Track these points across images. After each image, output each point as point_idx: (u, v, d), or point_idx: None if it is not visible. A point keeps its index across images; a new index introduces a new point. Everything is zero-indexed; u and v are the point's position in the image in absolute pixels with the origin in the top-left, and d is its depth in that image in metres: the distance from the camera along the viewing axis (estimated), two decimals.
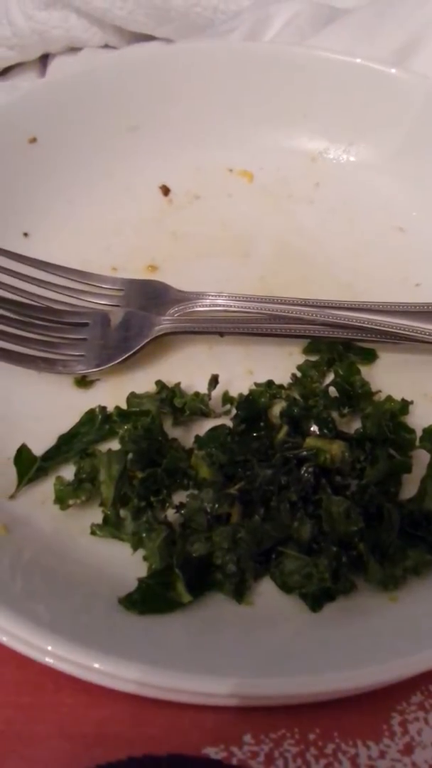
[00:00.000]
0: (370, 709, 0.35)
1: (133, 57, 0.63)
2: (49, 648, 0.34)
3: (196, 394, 0.48)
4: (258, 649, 0.36)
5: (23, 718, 0.34)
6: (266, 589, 0.40)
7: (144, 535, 0.41)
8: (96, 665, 0.34)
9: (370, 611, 0.38)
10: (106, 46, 0.77)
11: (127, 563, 0.41)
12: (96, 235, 0.58)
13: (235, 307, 0.50)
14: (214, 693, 0.33)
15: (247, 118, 0.62)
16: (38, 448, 0.46)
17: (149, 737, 0.34)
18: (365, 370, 0.50)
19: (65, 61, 0.77)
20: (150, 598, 0.38)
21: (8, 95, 0.60)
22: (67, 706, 0.35)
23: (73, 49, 0.77)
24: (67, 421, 0.48)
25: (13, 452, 0.46)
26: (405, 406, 0.47)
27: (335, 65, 0.59)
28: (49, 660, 0.35)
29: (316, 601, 0.39)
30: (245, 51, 0.61)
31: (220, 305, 0.51)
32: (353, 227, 0.59)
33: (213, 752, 0.34)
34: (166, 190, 0.61)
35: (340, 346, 0.51)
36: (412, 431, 0.46)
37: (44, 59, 0.79)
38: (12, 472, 0.45)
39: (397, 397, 0.48)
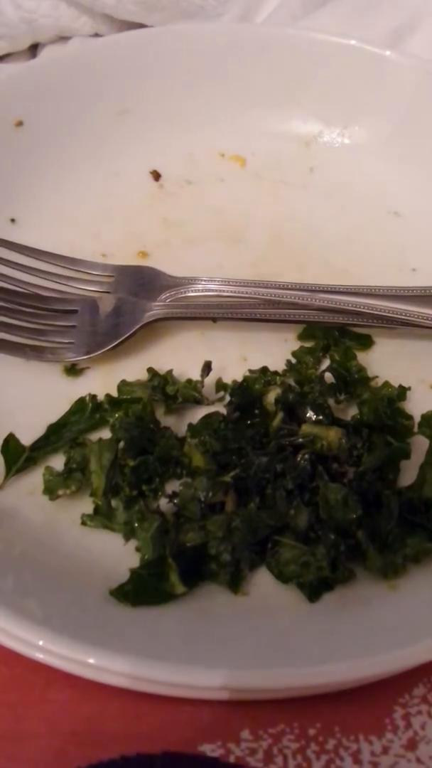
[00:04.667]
0: (371, 701, 0.33)
1: (123, 39, 0.61)
2: (41, 643, 0.33)
3: (189, 381, 0.47)
4: (254, 640, 0.35)
5: (11, 716, 0.33)
6: (262, 579, 0.39)
7: (136, 524, 0.39)
8: (89, 660, 0.33)
9: (369, 600, 0.37)
10: (96, 35, 0.75)
11: (119, 554, 0.40)
12: (85, 221, 0.57)
13: (228, 291, 0.49)
14: (210, 686, 0.32)
15: (240, 102, 0.61)
16: (27, 438, 0.45)
17: (143, 734, 0.33)
18: (361, 356, 0.49)
19: (55, 50, 0.75)
20: (142, 590, 0.37)
21: None
22: (57, 703, 0.34)
23: (63, 39, 0.75)
24: (56, 410, 0.46)
25: (0, 442, 0.44)
26: (402, 391, 0.46)
27: (329, 47, 0.58)
28: (39, 655, 0.33)
29: (314, 590, 0.38)
30: (237, 33, 0.60)
31: (212, 290, 0.49)
32: (348, 212, 0.58)
33: (209, 749, 0.33)
34: (156, 175, 0.60)
35: (335, 332, 0.50)
36: (409, 417, 0.45)
37: (34, 49, 0.77)
38: (0, 463, 0.43)
39: (394, 382, 0.47)
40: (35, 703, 0.34)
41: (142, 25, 0.76)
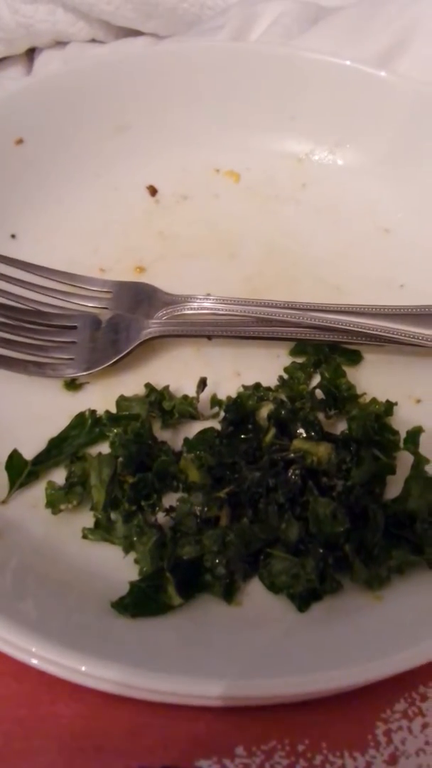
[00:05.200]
0: (355, 717, 0.35)
1: (120, 57, 0.63)
2: (33, 649, 0.35)
3: (185, 397, 0.49)
4: (246, 650, 0.37)
5: (21, 732, 0.35)
6: (255, 590, 0.41)
7: (135, 538, 0.41)
8: (81, 667, 0.34)
9: (356, 611, 0.39)
10: (93, 40, 0.76)
11: (118, 566, 0.42)
12: (83, 236, 0.58)
13: (222, 310, 0.51)
14: (201, 695, 0.34)
15: (235, 119, 0.62)
16: (28, 452, 0.46)
17: (144, 748, 0.34)
18: (351, 372, 0.51)
19: (52, 55, 0.76)
20: (141, 602, 0.39)
21: None
22: (65, 718, 0.35)
23: (60, 44, 0.76)
24: (56, 425, 0.48)
25: (2, 457, 0.46)
26: (389, 407, 0.48)
27: (324, 66, 0.59)
28: (34, 661, 0.35)
29: (304, 601, 0.40)
30: (233, 51, 0.61)
31: (207, 308, 0.51)
32: (339, 228, 0.60)
33: (206, 764, 0.35)
34: (153, 191, 0.61)
35: (326, 348, 0.52)
36: (396, 433, 0.47)
37: (31, 53, 0.78)
38: (2, 477, 0.45)
39: (382, 398, 0.49)
40: (44, 719, 0.35)
41: (139, 32, 0.77)
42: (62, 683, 0.34)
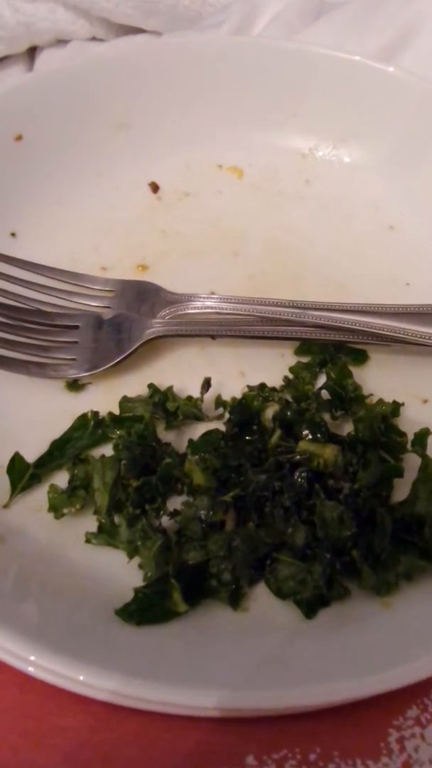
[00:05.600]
0: (367, 725, 0.35)
1: (121, 52, 0.62)
2: (32, 658, 0.34)
3: (189, 398, 0.48)
4: (253, 660, 0.36)
5: (28, 745, 0.34)
6: (261, 594, 0.40)
7: (139, 543, 0.41)
8: (79, 677, 0.34)
9: (364, 618, 0.38)
10: (94, 38, 0.75)
11: (122, 571, 0.41)
12: (85, 235, 0.58)
13: (226, 309, 0.50)
14: (209, 707, 0.33)
15: (237, 114, 0.61)
16: (30, 454, 0.46)
17: (153, 760, 0.34)
18: (356, 371, 0.50)
19: (53, 53, 0.75)
20: (146, 609, 0.38)
21: None
22: (72, 730, 0.35)
23: (61, 42, 0.75)
24: (58, 426, 0.47)
25: (4, 460, 0.45)
26: (396, 407, 0.48)
27: (330, 61, 0.58)
28: (31, 669, 0.34)
29: (311, 607, 0.39)
30: (236, 45, 0.60)
31: (211, 307, 0.50)
32: (343, 225, 0.59)
33: None
34: (155, 188, 0.61)
35: (331, 347, 0.51)
36: (403, 434, 0.46)
37: (32, 52, 0.77)
38: (3, 481, 0.45)
39: (388, 398, 0.48)
40: (52, 731, 0.35)
41: (139, 30, 0.76)
42: (68, 694, 0.34)
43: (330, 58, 0.58)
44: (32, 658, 0.35)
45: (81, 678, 0.34)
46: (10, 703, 0.36)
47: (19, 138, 0.57)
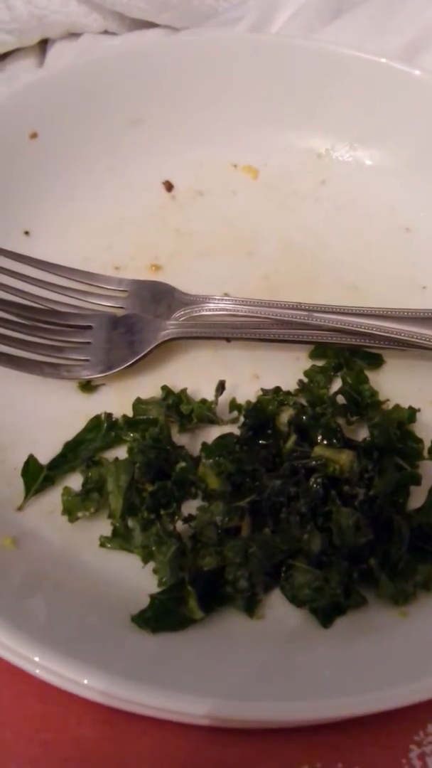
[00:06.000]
0: (388, 740, 0.35)
1: (135, 48, 0.61)
2: (37, 659, 0.34)
3: (203, 401, 0.48)
4: (268, 670, 0.36)
5: (47, 757, 0.34)
6: (276, 602, 0.40)
7: (154, 548, 0.40)
8: (83, 680, 0.33)
9: (380, 627, 0.38)
10: (106, 32, 0.75)
11: (136, 575, 0.41)
12: (98, 233, 0.57)
13: (241, 311, 0.50)
14: (222, 717, 0.33)
15: (253, 112, 0.61)
16: (43, 455, 0.46)
17: None
18: (371, 375, 0.50)
19: (65, 46, 0.74)
20: (162, 616, 0.38)
21: (8, 88, 0.58)
22: (91, 741, 0.34)
23: (73, 35, 0.75)
24: (71, 427, 0.47)
25: (18, 461, 0.45)
26: (412, 413, 0.47)
27: (353, 62, 0.57)
28: (37, 671, 0.34)
29: (327, 616, 0.39)
30: (254, 43, 0.59)
31: (225, 309, 0.50)
32: (359, 226, 0.58)
33: None
34: (169, 186, 0.60)
35: (346, 351, 0.51)
36: (419, 441, 0.46)
37: (43, 45, 0.77)
38: (18, 482, 0.44)
39: (403, 403, 0.48)
40: (70, 742, 0.34)
41: (152, 24, 0.75)
42: (87, 705, 0.33)
43: (354, 59, 0.57)
44: (37, 659, 0.34)
45: (86, 682, 0.34)
46: (29, 713, 0.35)
47: (34, 136, 0.56)
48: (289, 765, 0.34)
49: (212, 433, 0.47)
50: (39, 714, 0.35)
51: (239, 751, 0.34)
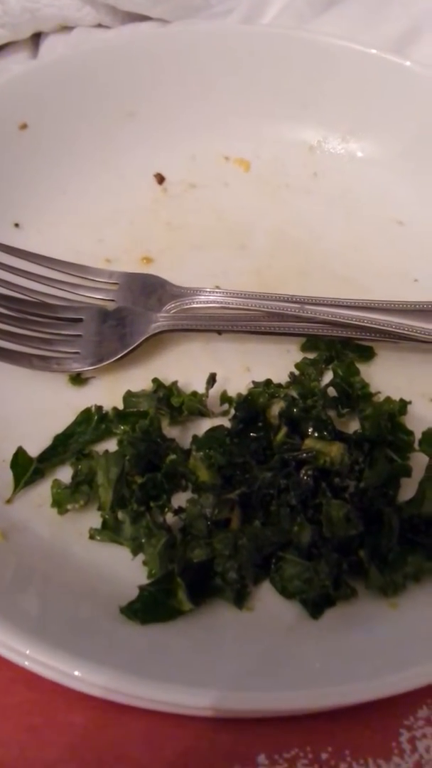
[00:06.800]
0: (379, 724, 0.35)
1: (128, 39, 0.61)
2: (27, 652, 0.34)
3: (194, 393, 0.48)
4: (257, 661, 0.36)
5: (35, 742, 0.34)
6: (266, 593, 0.40)
7: (144, 540, 0.40)
8: (74, 672, 0.33)
9: (370, 618, 0.38)
10: (99, 25, 0.74)
11: (126, 567, 0.41)
12: (89, 226, 0.57)
13: (232, 304, 0.49)
14: (211, 707, 0.33)
15: (245, 105, 0.61)
16: (32, 448, 0.45)
17: (165, 760, 0.33)
18: (363, 368, 0.50)
19: (58, 40, 0.74)
20: (151, 607, 0.38)
21: None
22: (80, 727, 0.34)
23: (66, 29, 0.74)
24: (61, 420, 0.47)
25: (7, 453, 0.45)
26: (403, 406, 0.47)
27: (345, 53, 0.57)
28: (26, 663, 0.34)
29: (317, 607, 0.39)
30: (246, 34, 0.59)
31: (217, 302, 0.50)
32: (351, 219, 0.58)
33: None
34: (161, 179, 0.60)
35: (338, 344, 0.50)
36: (410, 433, 0.46)
37: (36, 38, 0.76)
38: (6, 475, 0.44)
39: (394, 395, 0.48)
40: (59, 727, 0.34)
41: (144, 17, 0.75)
42: (75, 691, 0.33)
43: (345, 50, 0.57)
44: (27, 651, 0.34)
45: (77, 674, 0.34)
46: (17, 700, 0.35)
47: (24, 127, 0.56)
48: (279, 749, 0.34)
49: (203, 426, 0.47)
50: (26, 701, 0.35)
51: (231, 736, 0.34)
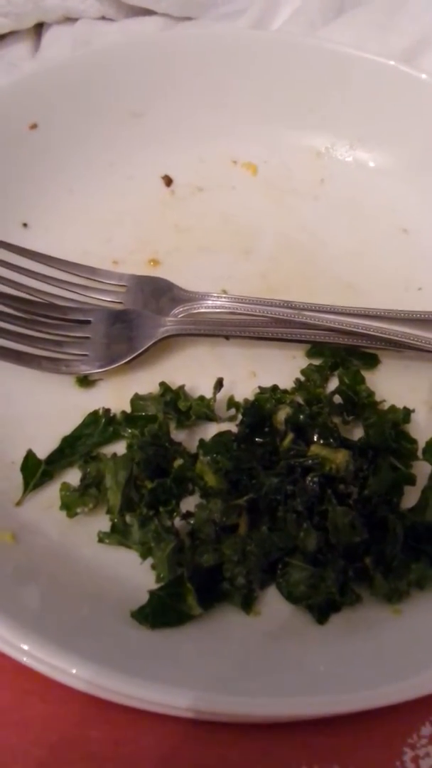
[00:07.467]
0: (382, 741, 0.35)
1: (137, 41, 0.61)
2: (25, 647, 0.35)
3: (201, 398, 0.48)
4: (264, 666, 0.37)
5: (54, 760, 0.34)
6: (273, 598, 0.41)
7: (152, 544, 0.41)
8: (72, 670, 0.34)
9: (374, 624, 0.39)
10: (103, 18, 0.74)
11: (134, 571, 0.41)
12: (97, 227, 0.57)
13: (240, 309, 0.50)
14: (219, 712, 0.34)
15: (254, 109, 0.61)
16: (40, 449, 0.46)
17: None
18: (367, 375, 0.50)
19: (61, 31, 0.73)
20: (161, 612, 0.38)
21: (7, 76, 0.58)
22: (96, 743, 0.34)
23: (69, 20, 0.74)
24: (69, 422, 0.47)
25: (15, 455, 0.45)
26: (407, 414, 0.48)
27: (355, 62, 0.57)
28: (25, 659, 0.34)
29: (323, 612, 0.39)
30: (257, 39, 0.59)
31: (224, 307, 0.50)
32: (357, 226, 0.59)
33: None
34: (168, 181, 0.60)
35: (343, 351, 0.51)
36: (413, 441, 0.47)
37: (39, 29, 0.76)
38: (16, 477, 0.45)
39: (398, 403, 0.48)
40: (76, 743, 0.34)
41: (149, 11, 0.74)
42: (88, 704, 0.34)
43: (358, 59, 0.57)
44: (25, 647, 0.35)
45: (74, 671, 0.34)
46: (33, 713, 0.36)
47: (34, 126, 0.56)
48: (288, 765, 0.35)
49: (210, 431, 0.47)
50: (41, 715, 0.35)
51: (240, 751, 0.35)
